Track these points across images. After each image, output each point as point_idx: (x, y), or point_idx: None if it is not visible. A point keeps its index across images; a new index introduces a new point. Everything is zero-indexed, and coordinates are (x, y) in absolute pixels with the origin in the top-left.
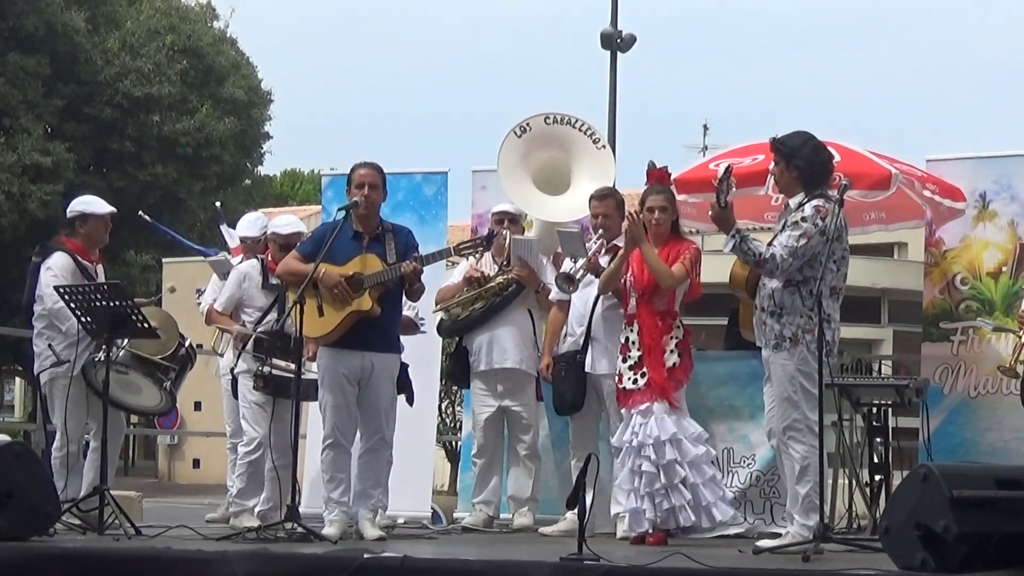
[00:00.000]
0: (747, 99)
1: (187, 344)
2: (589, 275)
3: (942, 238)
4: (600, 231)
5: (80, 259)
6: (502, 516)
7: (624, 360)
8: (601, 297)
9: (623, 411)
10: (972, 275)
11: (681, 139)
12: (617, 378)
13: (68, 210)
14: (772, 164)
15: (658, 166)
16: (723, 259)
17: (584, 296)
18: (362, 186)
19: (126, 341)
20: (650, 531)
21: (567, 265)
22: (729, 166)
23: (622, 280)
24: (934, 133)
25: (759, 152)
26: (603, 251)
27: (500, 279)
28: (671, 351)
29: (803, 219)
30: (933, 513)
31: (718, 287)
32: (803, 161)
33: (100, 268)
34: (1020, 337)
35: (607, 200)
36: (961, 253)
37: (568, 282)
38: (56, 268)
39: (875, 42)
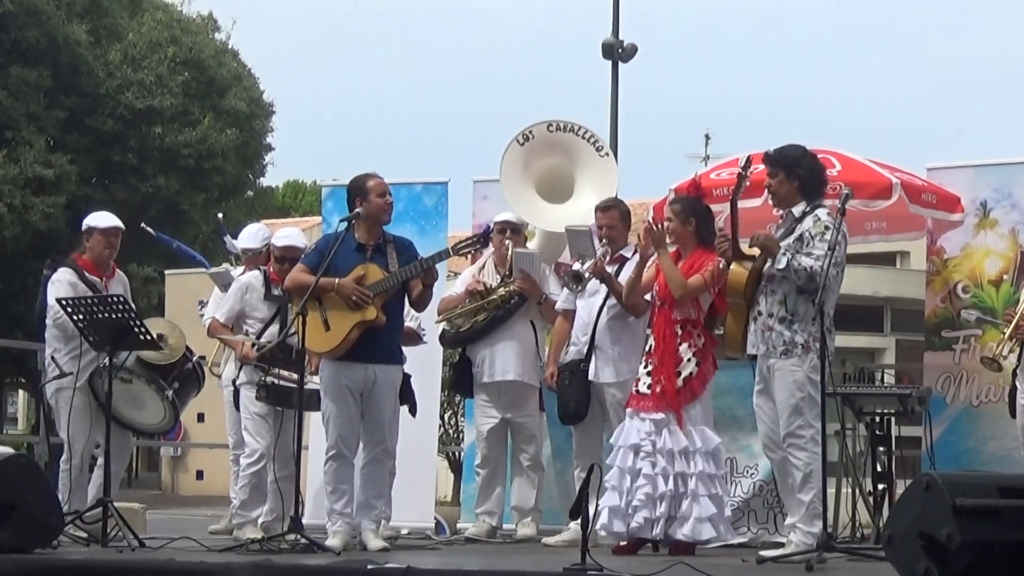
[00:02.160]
0: (749, 109)
1: (195, 359)
2: (594, 293)
3: (943, 247)
4: (605, 241)
5: (87, 275)
6: (505, 527)
7: (645, 365)
8: (606, 306)
9: (628, 411)
10: (974, 283)
11: (683, 149)
12: (635, 381)
13: (83, 225)
14: (768, 178)
15: (697, 179)
16: None
17: (588, 305)
18: (384, 194)
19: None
20: (626, 537)
21: (575, 265)
22: (749, 157)
23: (649, 291)
24: (935, 141)
25: (760, 162)
26: (607, 259)
27: (502, 291)
28: (688, 359)
29: (827, 228)
30: (936, 522)
31: None
32: (804, 171)
33: (114, 283)
34: (1003, 332)
35: (611, 211)
36: (962, 261)
37: (576, 281)
38: (59, 282)
39: (875, 51)
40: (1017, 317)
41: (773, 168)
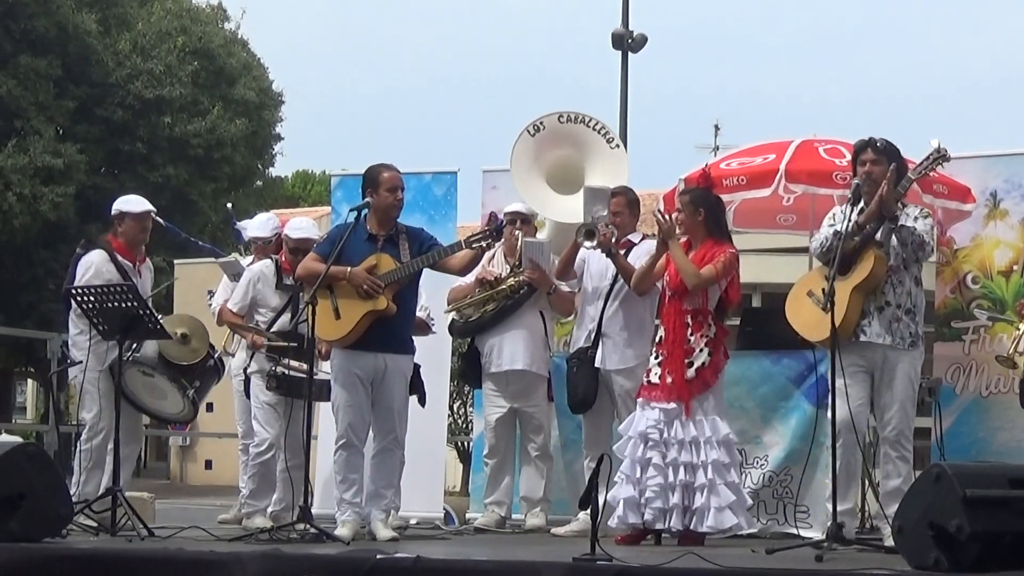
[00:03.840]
0: (758, 100)
1: (216, 356)
2: (600, 281)
3: (953, 237)
4: (612, 227)
5: (120, 258)
6: (514, 517)
7: (656, 356)
8: (612, 294)
9: (639, 401)
10: (983, 274)
11: (692, 139)
12: (646, 372)
13: (112, 209)
14: (872, 165)
15: (707, 170)
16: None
17: (596, 295)
18: (395, 189)
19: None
20: (641, 525)
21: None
22: (942, 146)
23: (659, 279)
24: (945, 132)
25: (770, 152)
26: (614, 237)
27: (512, 281)
28: (700, 349)
29: (928, 215)
30: (946, 513)
31: None
32: (899, 164)
33: (144, 267)
34: (1019, 328)
35: (619, 197)
36: (972, 252)
37: (589, 237)
38: (91, 262)
39: (886, 41)
40: None
41: (879, 156)
